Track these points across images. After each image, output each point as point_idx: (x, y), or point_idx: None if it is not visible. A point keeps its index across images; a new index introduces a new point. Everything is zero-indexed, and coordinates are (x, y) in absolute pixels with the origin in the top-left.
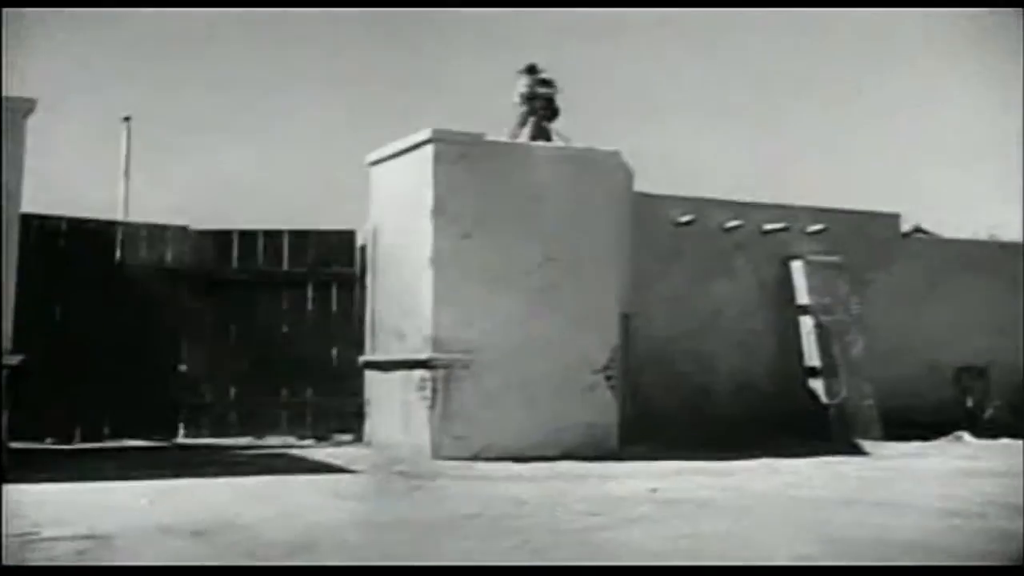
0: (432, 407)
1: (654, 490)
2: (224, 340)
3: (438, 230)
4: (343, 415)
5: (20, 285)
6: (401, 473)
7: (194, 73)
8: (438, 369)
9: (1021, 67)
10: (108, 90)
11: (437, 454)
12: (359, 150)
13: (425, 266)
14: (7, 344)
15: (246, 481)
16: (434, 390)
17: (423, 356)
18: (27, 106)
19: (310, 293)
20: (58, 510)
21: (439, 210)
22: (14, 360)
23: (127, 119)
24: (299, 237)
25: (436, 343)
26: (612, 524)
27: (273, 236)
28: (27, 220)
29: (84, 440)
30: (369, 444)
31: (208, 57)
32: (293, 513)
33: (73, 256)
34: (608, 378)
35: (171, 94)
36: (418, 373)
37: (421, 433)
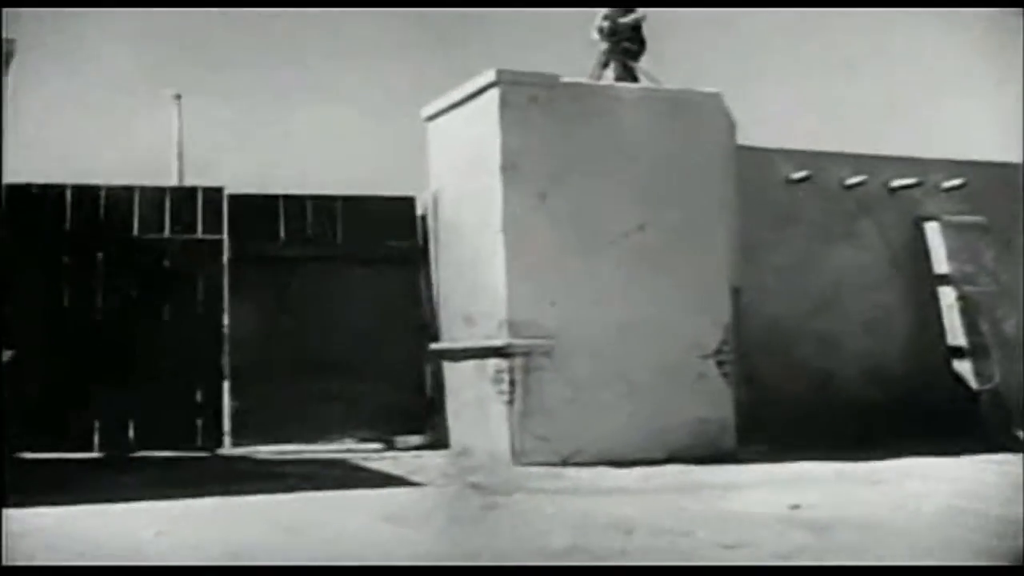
0: (510, 403)
1: (795, 506)
2: (269, 328)
3: (509, 191)
4: (409, 414)
5: (16, 267)
6: (474, 486)
7: (233, 40)
8: (515, 358)
9: (1021, 65)
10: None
11: (519, 459)
12: (413, 108)
13: (495, 235)
14: None
15: (285, 500)
16: (512, 383)
17: (497, 343)
18: (7, 48)
19: (369, 271)
20: (42, 543)
21: (509, 166)
22: (4, 356)
23: (178, 97)
24: (354, 204)
25: (512, 327)
26: (759, 561)
27: (324, 202)
28: (23, 191)
29: (103, 450)
30: (439, 448)
31: (246, 21)
32: (330, 550)
33: (82, 230)
34: (721, 364)
35: (215, 65)
36: (492, 363)
37: (499, 434)
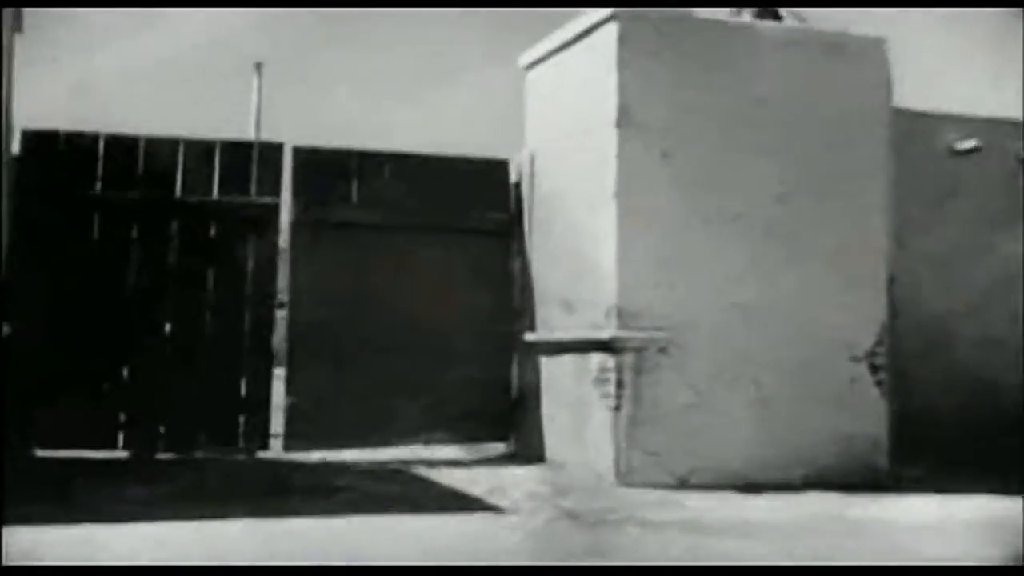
0: (617, 409)
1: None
2: (333, 309)
3: (625, 148)
4: (492, 416)
5: (32, 229)
6: (569, 514)
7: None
8: (625, 353)
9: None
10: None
11: (625, 478)
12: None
13: (606, 202)
14: None
15: (329, 528)
16: (619, 384)
17: (603, 335)
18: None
19: (452, 244)
20: None
21: (626, 119)
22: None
23: (258, 65)
24: (439, 165)
25: (622, 315)
26: None
27: (404, 162)
28: (45, 139)
29: (129, 448)
30: (527, 458)
31: None
32: None
33: (114, 190)
34: (874, 369)
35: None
36: (596, 359)
37: (601, 446)
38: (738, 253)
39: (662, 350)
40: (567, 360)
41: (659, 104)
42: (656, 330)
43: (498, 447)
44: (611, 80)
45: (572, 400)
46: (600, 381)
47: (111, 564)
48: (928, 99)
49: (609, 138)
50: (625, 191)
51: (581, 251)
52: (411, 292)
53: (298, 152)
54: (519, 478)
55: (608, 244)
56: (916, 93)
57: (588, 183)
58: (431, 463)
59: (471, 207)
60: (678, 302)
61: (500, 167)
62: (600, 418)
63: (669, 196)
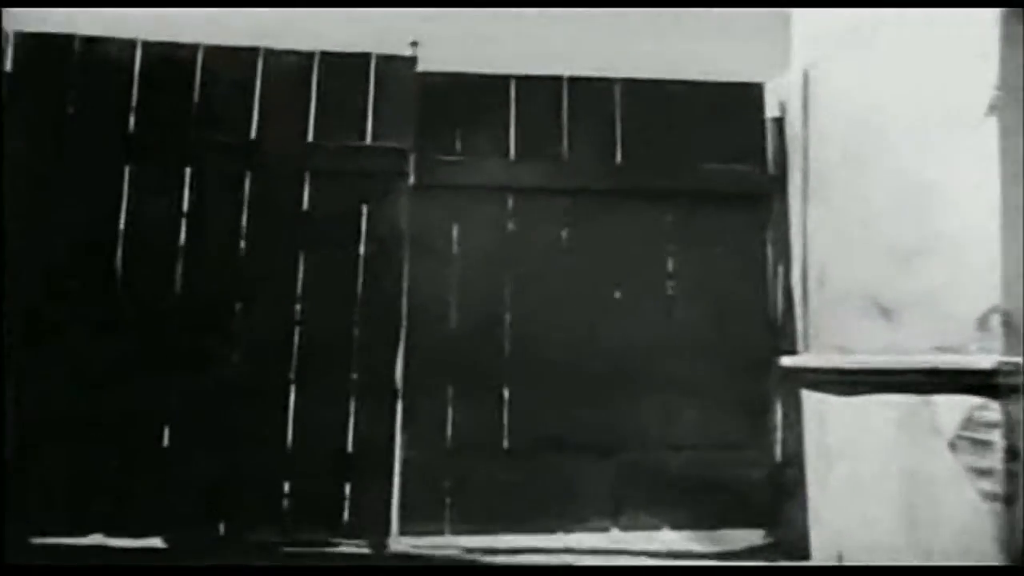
0: (1007, 501)
1: None
2: (473, 321)
3: (1011, 30)
4: (739, 485)
5: (23, 192)
6: None
7: None
8: (1020, 397)
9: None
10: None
11: None
12: None
13: (969, 127)
14: None
15: None
16: (1010, 453)
17: (974, 361)
18: None
19: (670, 216)
20: None
21: None
22: None
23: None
24: (647, 93)
25: (1011, 329)
26: None
27: (590, 90)
28: (54, 47)
29: (174, 533)
30: (800, 554)
31: None
32: None
33: (158, 125)
34: None
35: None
36: (954, 405)
37: (972, 558)
38: None
39: None
40: (884, 403)
41: None
42: None
43: (749, 536)
44: None
45: (896, 471)
46: (965, 444)
47: (111, 564)
48: None
49: (976, 13)
50: (1013, 104)
51: (911, 216)
52: (602, 293)
53: (423, 79)
54: None
55: (975, 202)
56: None
57: (925, 98)
58: (641, 564)
59: (700, 158)
60: None
61: (750, 95)
62: (966, 508)
63: None
